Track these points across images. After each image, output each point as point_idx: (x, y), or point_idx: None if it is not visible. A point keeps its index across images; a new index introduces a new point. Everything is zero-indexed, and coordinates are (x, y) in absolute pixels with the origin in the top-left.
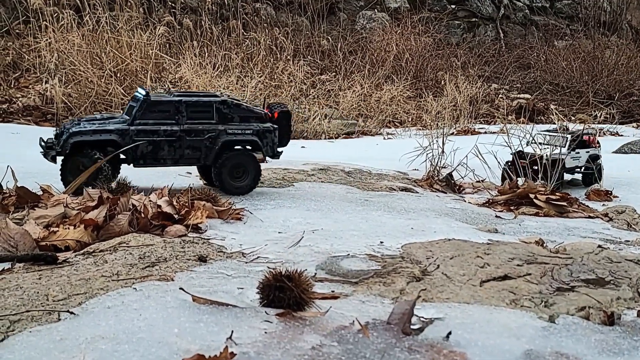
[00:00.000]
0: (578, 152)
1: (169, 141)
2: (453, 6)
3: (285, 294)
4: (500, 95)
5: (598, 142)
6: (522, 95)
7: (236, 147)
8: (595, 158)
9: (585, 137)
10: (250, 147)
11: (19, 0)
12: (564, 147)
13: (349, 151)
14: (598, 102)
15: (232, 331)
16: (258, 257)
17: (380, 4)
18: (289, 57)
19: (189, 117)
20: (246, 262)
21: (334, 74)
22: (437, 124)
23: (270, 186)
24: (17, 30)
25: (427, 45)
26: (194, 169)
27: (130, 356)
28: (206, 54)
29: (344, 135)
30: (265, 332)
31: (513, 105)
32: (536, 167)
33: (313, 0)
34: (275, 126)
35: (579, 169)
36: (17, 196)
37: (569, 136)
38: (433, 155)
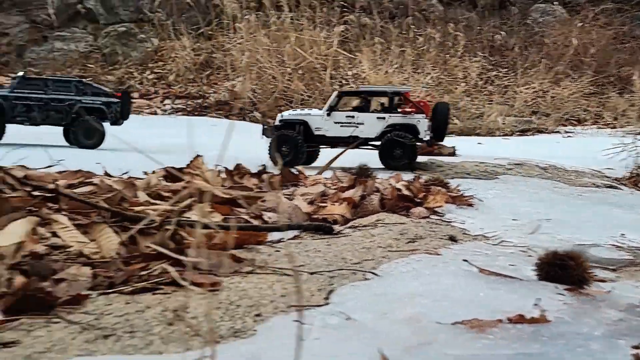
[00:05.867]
0: (353, 117)
1: (39, 105)
2: None
3: (566, 271)
4: None
5: (418, 109)
6: None
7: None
8: (399, 128)
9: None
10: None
11: (214, 4)
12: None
13: (528, 148)
14: None
15: (540, 298)
16: (502, 240)
17: None
18: (462, 53)
19: (54, 90)
20: (493, 245)
21: (507, 69)
22: (626, 123)
23: (477, 177)
24: (209, 32)
25: (610, 38)
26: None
27: (456, 310)
28: (381, 51)
29: (517, 133)
30: (564, 303)
31: None
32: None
33: None
34: (117, 100)
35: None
36: (282, 177)
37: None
38: (637, 153)
